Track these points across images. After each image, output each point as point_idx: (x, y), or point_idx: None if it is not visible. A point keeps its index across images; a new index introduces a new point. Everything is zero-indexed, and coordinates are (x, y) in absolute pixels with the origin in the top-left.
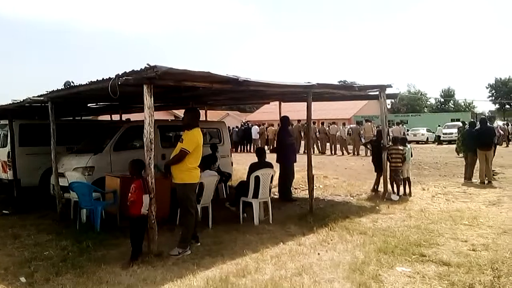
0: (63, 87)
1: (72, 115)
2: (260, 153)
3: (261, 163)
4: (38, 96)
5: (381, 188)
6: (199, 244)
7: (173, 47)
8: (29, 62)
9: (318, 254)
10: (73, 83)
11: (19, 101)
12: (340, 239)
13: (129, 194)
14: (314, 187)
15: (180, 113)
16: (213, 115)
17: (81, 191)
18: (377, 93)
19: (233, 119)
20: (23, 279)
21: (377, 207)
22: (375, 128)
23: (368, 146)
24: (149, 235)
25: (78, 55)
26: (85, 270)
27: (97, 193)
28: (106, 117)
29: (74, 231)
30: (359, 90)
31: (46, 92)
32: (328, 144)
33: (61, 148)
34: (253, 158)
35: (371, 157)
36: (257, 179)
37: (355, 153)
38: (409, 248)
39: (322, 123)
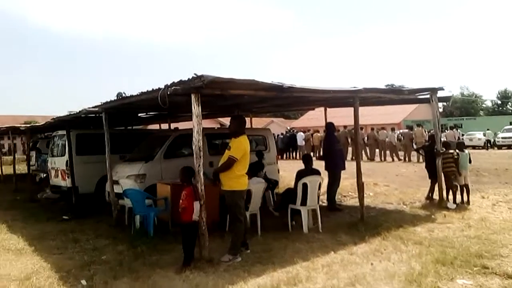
0: (115, 98)
1: (124, 125)
2: (307, 160)
3: (309, 170)
4: (93, 107)
5: (436, 196)
6: (249, 251)
7: (213, 56)
8: (78, 75)
9: (371, 264)
10: (124, 94)
11: (75, 112)
12: (394, 249)
13: (180, 201)
14: (364, 195)
15: (226, 121)
16: (258, 123)
17: (135, 198)
18: (428, 96)
19: (277, 126)
20: (83, 282)
21: (433, 216)
22: (426, 133)
23: (421, 152)
24: (200, 242)
25: (124, 66)
26: (141, 274)
27: (149, 199)
28: (155, 126)
29: (129, 236)
30: (409, 93)
31: (100, 103)
32: (377, 150)
33: (114, 157)
34: (299, 165)
35: (424, 163)
36: (304, 186)
37: (406, 159)
38: (469, 259)
39: (372, 129)
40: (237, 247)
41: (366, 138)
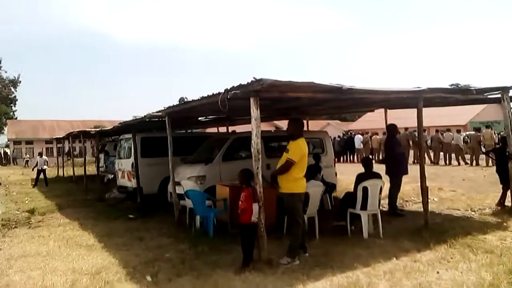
0: (177, 103)
1: (184, 128)
2: (367, 163)
3: (369, 174)
4: (157, 112)
5: (508, 202)
6: (307, 254)
7: (265, 59)
8: (141, 81)
9: (437, 272)
10: (186, 98)
11: (140, 117)
12: (462, 258)
13: (240, 203)
14: (429, 200)
15: (281, 124)
16: (314, 125)
17: (196, 199)
18: (499, 96)
19: (334, 128)
20: (149, 278)
21: (505, 224)
22: (496, 135)
23: (491, 155)
24: (259, 243)
25: (186, 72)
26: (202, 273)
27: (209, 201)
28: (213, 130)
29: (190, 236)
30: (477, 93)
31: (163, 108)
32: (441, 153)
33: (176, 159)
34: (356, 168)
35: (494, 167)
36: (365, 190)
37: (474, 162)
38: None
39: (437, 131)
40: (295, 250)
41: (429, 140)
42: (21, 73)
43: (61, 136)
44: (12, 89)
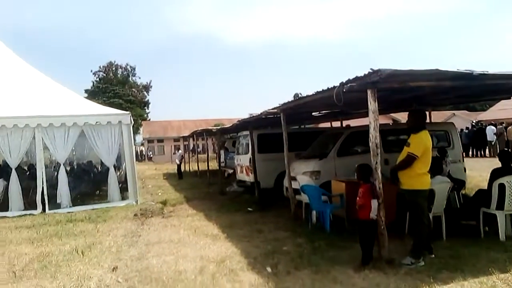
0: (292, 99)
1: (298, 124)
2: (505, 157)
3: (508, 169)
4: (272, 109)
5: None
6: (433, 256)
7: (371, 49)
8: (256, 79)
9: None
10: (300, 94)
11: (257, 114)
12: None
13: (357, 199)
14: None
15: (398, 116)
16: (437, 117)
17: (312, 194)
18: None
19: (460, 119)
20: (268, 269)
21: None
22: None
23: None
24: (379, 241)
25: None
26: (320, 269)
27: (325, 196)
28: (326, 124)
29: (307, 231)
30: None
31: (278, 105)
32: None
33: (290, 154)
34: (489, 163)
35: None
36: (501, 187)
37: None
38: None
39: None
40: (419, 250)
41: None
42: (152, 78)
43: (186, 135)
44: (145, 93)
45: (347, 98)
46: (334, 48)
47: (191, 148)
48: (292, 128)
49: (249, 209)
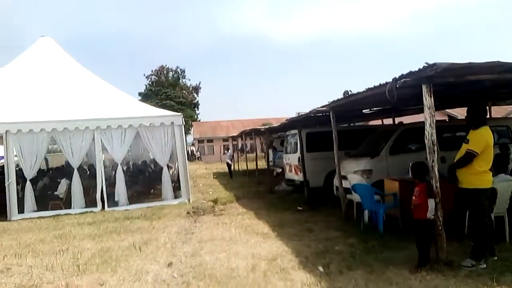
0: (342, 96)
1: (347, 122)
2: None
3: None
4: (321, 107)
5: None
6: (495, 258)
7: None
8: (301, 78)
9: None
10: (350, 91)
11: (305, 113)
12: None
13: (413, 198)
14: None
15: (454, 112)
16: (497, 112)
17: (363, 193)
18: None
19: None
20: (320, 269)
21: None
22: None
23: None
24: (437, 242)
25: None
26: (374, 269)
27: (377, 195)
28: (377, 122)
29: (359, 230)
30: None
31: (328, 103)
32: None
33: (340, 153)
34: None
35: None
36: None
37: None
38: None
39: None
40: (481, 252)
41: None
42: (201, 80)
43: (235, 134)
44: (195, 95)
45: (400, 94)
46: (386, 43)
47: (239, 147)
48: (341, 126)
49: (299, 208)
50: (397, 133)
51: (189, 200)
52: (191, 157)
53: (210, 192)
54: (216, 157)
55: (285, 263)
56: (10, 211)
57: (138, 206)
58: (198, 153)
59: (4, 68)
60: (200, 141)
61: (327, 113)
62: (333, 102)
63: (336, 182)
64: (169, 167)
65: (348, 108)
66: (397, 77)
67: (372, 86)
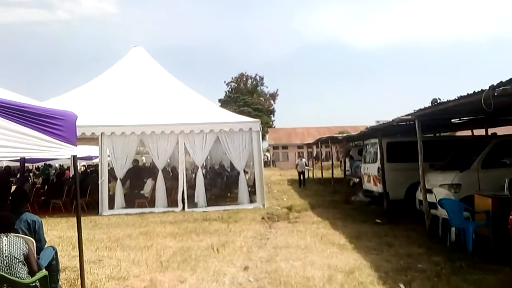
0: (429, 104)
1: (433, 132)
2: None
3: None
4: (406, 115)
5: None
6: None
7: None
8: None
9: None
10: (439, 99)
11: (387, 122)
12: None
13: (510, 217)
14: None
15: None
16: None
17: (451, 209)
18: None
19: None
20: (402, 286)
21: None
22: None
23: None
24: None
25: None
26: None
27: (467, 212)
28: (466, 132)
29: (444, 248)
30: None
31: (413, 111)
32: None
33: (424, 165)
34: None
35: None
36: None
37: None
38: None
39: None
40: None
41: None
42: (278, 87)
43: (310, 142)
44: (272, 102)
45: (497, 103)
46: (478, 48)
47: (314, 155)
48: (426, 136)
49: (377, 220)
50: (491, 145)
51: (263, 206)
52: (265, 163)
53: (285, 199)
54: (291, 163)
55: (363, 277)
56: (102, 207)
57: (215, 209)
58: (269, 158)
59: (102, 76)
60: (275, 147)
61: (410, 122)
62: (419, 110)
63: (419, 195)
64: (245, 172)
65: (436, 117)
66: (494, 84)
67: (466, 94)
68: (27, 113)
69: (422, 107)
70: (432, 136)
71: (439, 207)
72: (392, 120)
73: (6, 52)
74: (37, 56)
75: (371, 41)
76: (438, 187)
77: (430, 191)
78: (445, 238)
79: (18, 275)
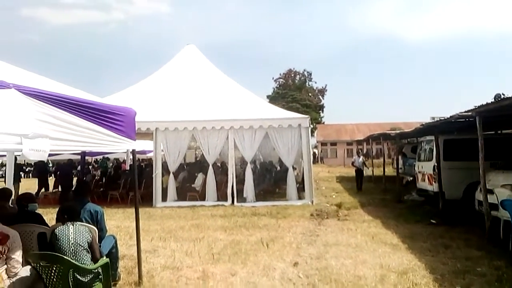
0: (492, 100)
1: (493, 129)
2: None
3: None
4: (465, 112)
5: None
6: None
7: None
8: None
9: None
10: (503, 95)
11: (445, 118)
12: None
13: None
14: None
15: None
16: None
17: None
18: None
19: None
20: None
21: None
22: None
23: None
24: None
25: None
26: None
27: None
28: None
29: (506, 252)
30: None
31: (474, 107)
32: None
33: (485, 163)
34: None
35: None
36: None
37: None
38: None
39: None
40: None
41: None
42: (327, 82)
43: (360, 138)
44: (320, 98)
45: None
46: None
47: (364, 152)
48: (486, 133)
49: (432, 221)
50: None
51: (312, 202)
52: (314, 159)
53: (333, 196)
54: (339, 160)
55: (417, 279)
56: (155, 199)
57: (264, 204)
58: (317, 154)
59: (157, 73)
60: (324, 143)
61: (470, 119)
62: (481, 106)
63: (479, 195)
64: (294, 168)
65: (499, 113)
66: None
67: None
68: (91, 109)
69: (484, 103)
70: (493, 133)
71: (500, 208)
72: (451, 117)
73: (69, 52)
74: (96, 55)
75: (424, 34)
76: (500, 187)
77: (491, 192)
78: (507, 242)
79: (82, 262)
